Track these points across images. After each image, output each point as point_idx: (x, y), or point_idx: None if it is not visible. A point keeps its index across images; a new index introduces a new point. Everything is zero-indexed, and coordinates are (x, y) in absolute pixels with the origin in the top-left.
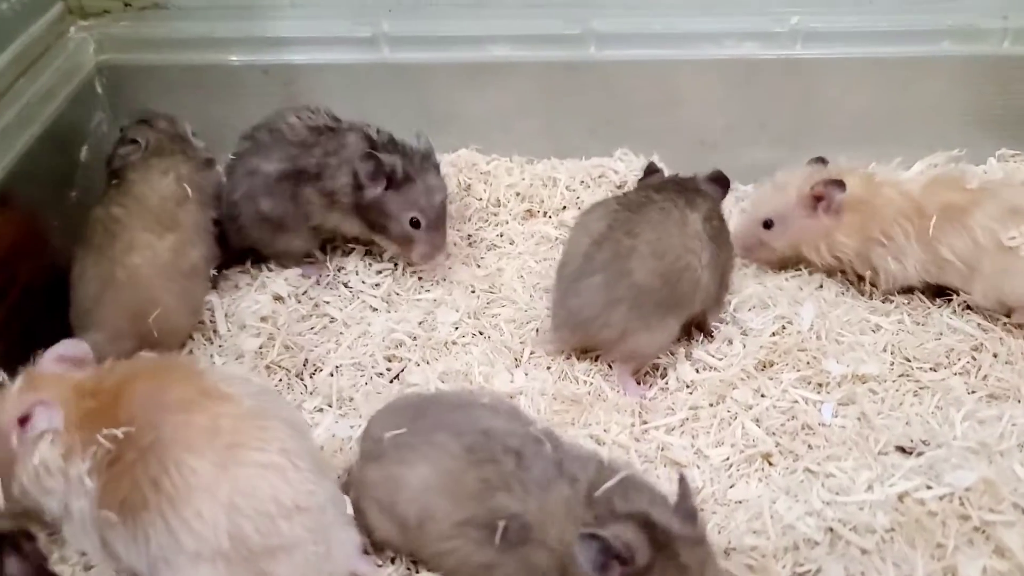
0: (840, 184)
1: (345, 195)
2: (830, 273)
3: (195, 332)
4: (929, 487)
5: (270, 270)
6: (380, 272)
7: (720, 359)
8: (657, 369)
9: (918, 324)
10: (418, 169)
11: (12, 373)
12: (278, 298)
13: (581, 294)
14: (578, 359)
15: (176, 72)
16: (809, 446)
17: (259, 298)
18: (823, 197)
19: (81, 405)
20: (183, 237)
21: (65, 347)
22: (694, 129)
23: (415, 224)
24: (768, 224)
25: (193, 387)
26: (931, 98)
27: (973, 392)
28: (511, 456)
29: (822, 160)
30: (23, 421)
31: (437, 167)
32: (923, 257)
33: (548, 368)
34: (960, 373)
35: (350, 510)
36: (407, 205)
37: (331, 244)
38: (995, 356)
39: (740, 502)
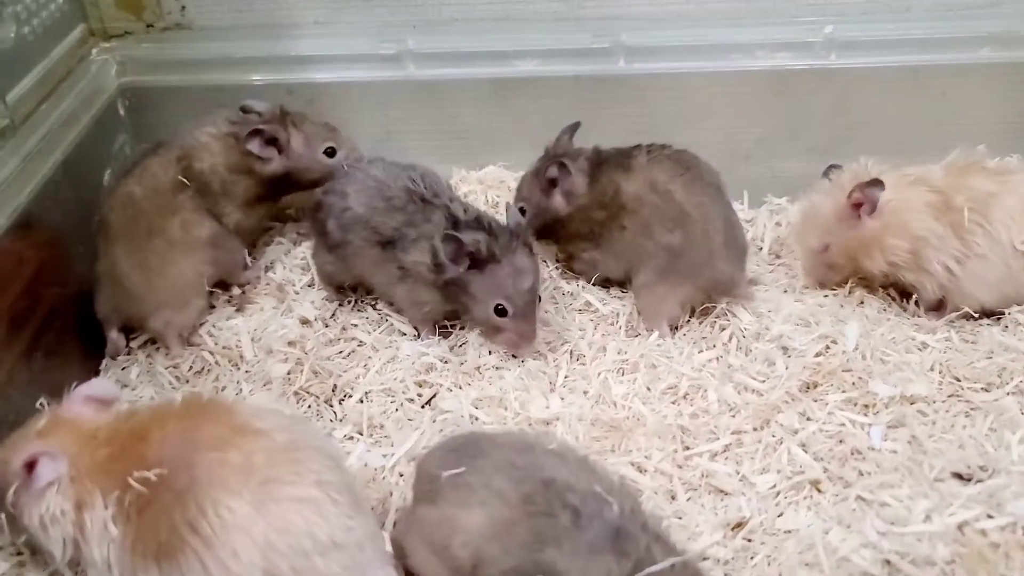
0: (878, 183)
1: (420, 272)
2: (871, 289)
3: (221, 357)
4: (990, 516)
5: (296, 293)
6: None
7: (762, 381)
8: (698, 391)
9: (967, 342)
10: (505, 249)
11: (34, 398)
12: (305, 322)
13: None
14: (614, 383)
15: (199, 93)
16: (860, 472)
17: (286, 322)
18: (863, 202)
19: (95, 453)
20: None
21: (93, 388)
22: (726, 141)
23: (501, 312)
24: (827, 248)
25: (225, 425)
26: (969, 107)
27: None
28: (568, 512)
29: (837, 167)
30: (29, 467)
31: (529, 246)
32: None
33: (585, 392)
34: (1014, 393)
35: (389, 547)
36: (492, 290)
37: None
38: None
39: (790, 532)
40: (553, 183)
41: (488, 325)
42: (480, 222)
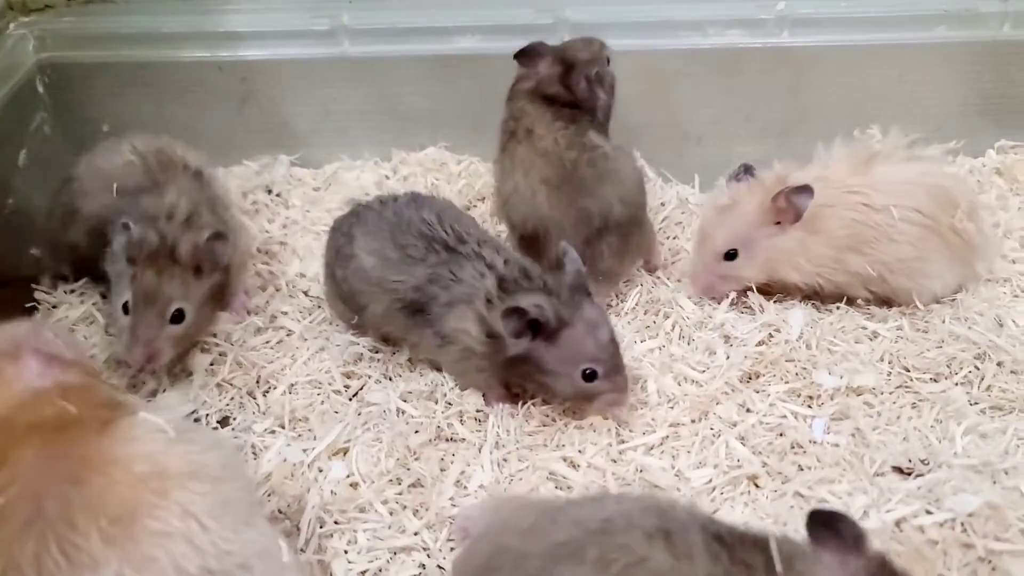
0: (807, 190)
1: (466, 341)
2: None
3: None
4: (929, 512)
5: None
6: None
7: (703, 371)
8: (637, 382)
9: (919, 331)
10: (572, 307)
11: None
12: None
13: None
14: None
15: (125, 70)
16: (799, 467)
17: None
18: (786, 209)
19: None
20: None
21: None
22: (677, 122)
23: (590, 376)
24: (731, 255)
25: (85, 450)
26: (927, 87)
27: (975, 404)
28: None
29: (748, 167)
30: None
31: (589, 292)
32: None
33: (520, 385)
34: (962, 383)
35: (287, 556)
36: (574, 358)
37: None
38: (999, 365)
39: None
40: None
41: (578, 394)
42: (531, 278)
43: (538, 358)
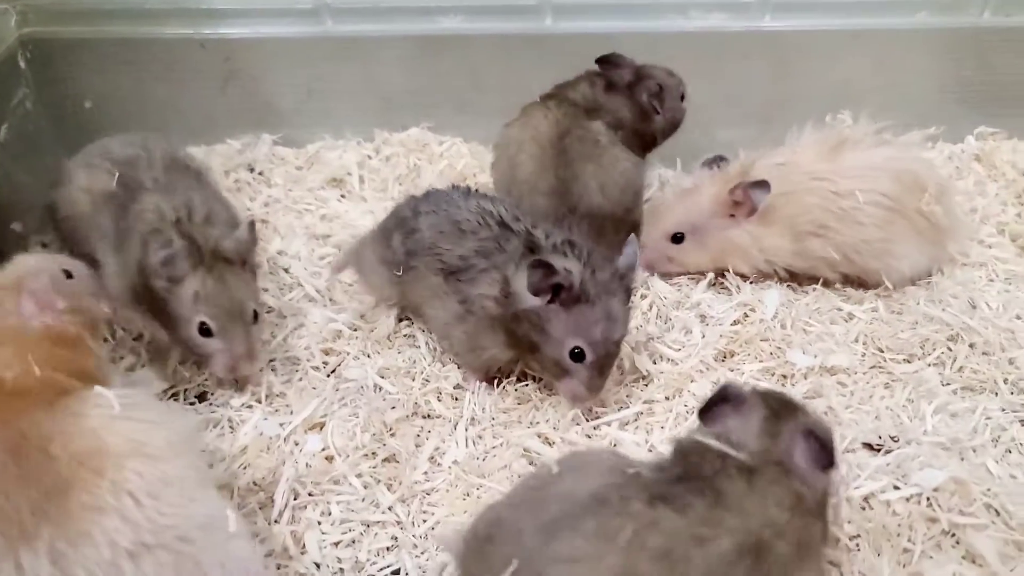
0: (764, 185)
1: (484, 308)
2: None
3: (119, 326)
4: (896, 487)
5: None
6: (323, 259)
7: (678, 349)
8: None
9: (893, 312)
10: (603, 289)
11: None
12: None
13: None
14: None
15: (107, 46)
16: None
17: None
18: (744, 201)
19: None
20: None
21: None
22: None
23: (577, 355)
24: (678, 238)
25: (30, 422)
26: (908, 73)
27: (947, 384)
28: None
29: (720, 158)
30: None
31: (630, 291)
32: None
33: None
34: (935, 364)
35: (234, 526)
36: (575, 331)
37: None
38: (971, 346)
39: None
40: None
41: (553, 367)
42: (574, 248)
43: (544, 318)
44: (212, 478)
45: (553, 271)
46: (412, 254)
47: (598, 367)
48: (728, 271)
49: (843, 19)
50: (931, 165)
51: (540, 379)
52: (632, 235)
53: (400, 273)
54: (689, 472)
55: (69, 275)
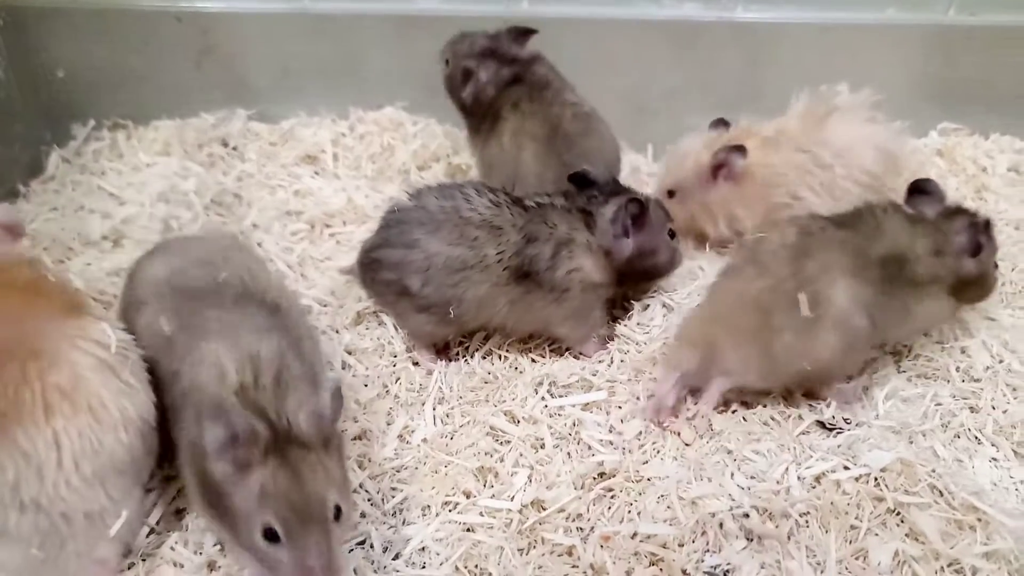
0: (741, 150)
1: (584, 278)
2: None
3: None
4: (846, 467)
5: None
6: (295, 234)
7: (643, 333)
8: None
9: None
10: (628, 189)
11: None
12: None
13: None
14: (497, 335)
15: (81, 16)
16: (727, 425)
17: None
18: (724, 164)
19: None
20: None
21: None
22: (632, 93)
23: (672, 234)
24: (671, 194)
25: (34, 327)
26: (876, 67)
27: (903, 372)
28: None
29: (724, 122)
30: None
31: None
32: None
33: (463, 344)
34: (892, 352)
35: (115, 531)
36: (660, 225)
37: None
38: (926, 335)
39: (651, 480)
40: (468, 75)
41: (667, 262)
42: (593, 194)
43: (643, 245)
44: (143, 473)
45: (635, 200)
46: (439, 281)
47: (672, 236)
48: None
49: (814, 12)
50: (912, 149)
51: (506, 358)
52: (585, 167)
53: (453, 312)
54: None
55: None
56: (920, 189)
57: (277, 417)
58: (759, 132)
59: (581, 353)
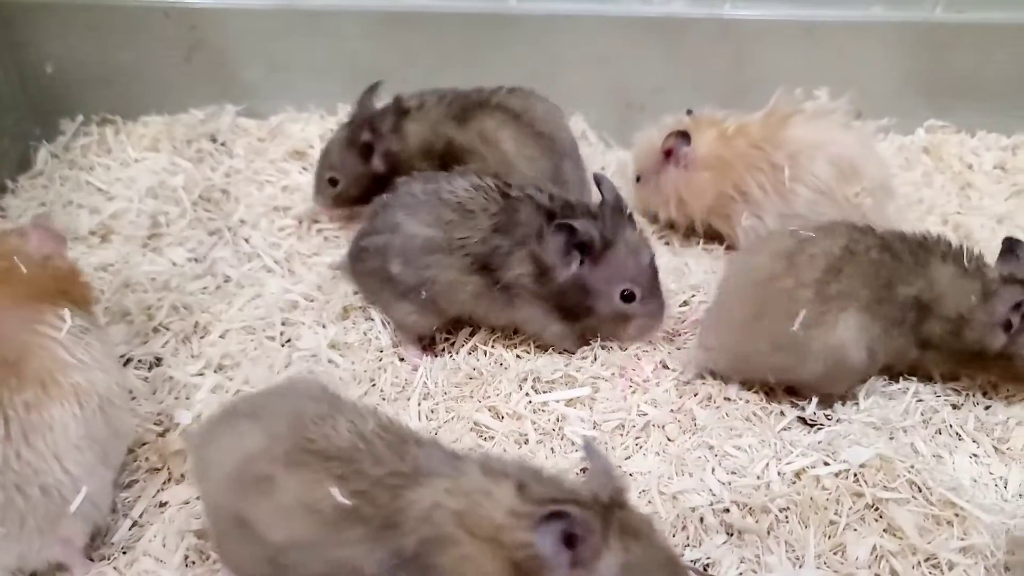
0: (684, 136)
1: (524, 287)
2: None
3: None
4: (826, 463)
5: (167, 226)
6: (283, 230)
7: None
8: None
9: None
10: (615, 228)
11: None
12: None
13: None
14: (483, 331)
15: (69, 11)
16: (710, 421)
17: (154, 257)
18: (672, 151)
19: None
20: None
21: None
22: (621, 89)
23: (628, 297)
24: (639, 179)
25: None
26: (863, 65)
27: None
28: None
29: (689, 112)
30: None
31: (632, 218)
32: (783, 210)
33: (449, 340)
34: None
35: (75, 506)
36: (615, 278)
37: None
38: None
39: (632, 475)
40: (369, 147)
41: (614, 319)
42: (575, 206)
43: (584, 281)
44: (110, 454)
45: (574, 231)
46: (421, 262)
47: (652, 294)
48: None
49: (801, 10)
50: (878, 160)
51: (491, 354)
52: (598, 173)
53: (423, 296)
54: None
55: None
56: (1011, 249)
57: None
58: (720, 123)
59: (564, 349)
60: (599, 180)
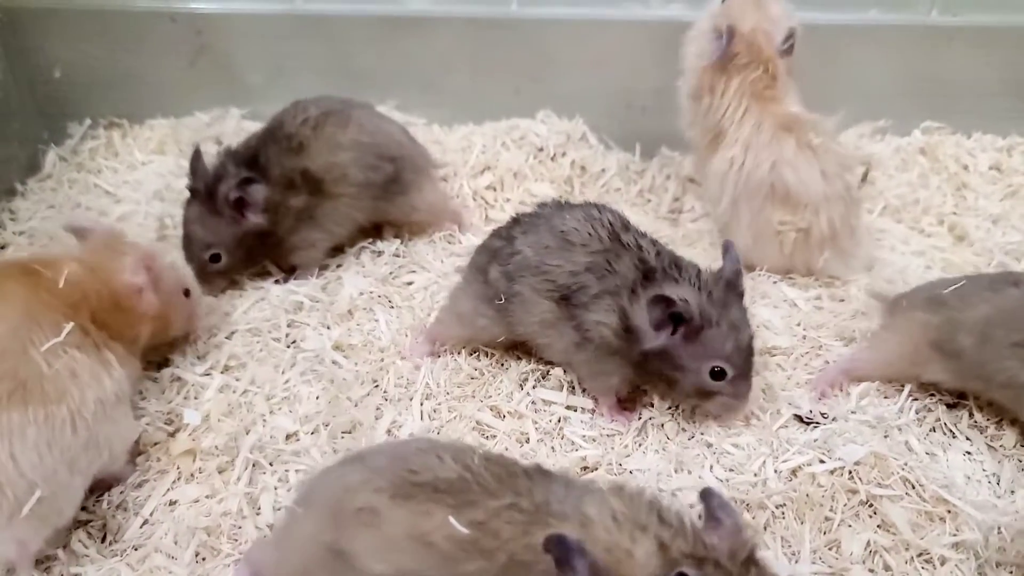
0: (730, 32)
1: (603, 337)
2: None
3: None
4: (822, 461)
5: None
6: None
7: None
8: None
9: (837, 300)
10: (721, 306)
11: None
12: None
13: None
14: None
15: (77, 16)
16: (708, 420)
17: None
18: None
19: None
20: None
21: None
22: (621, 92)
23: (718, 375)
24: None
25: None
26: (859, 67)
27: None
28: None
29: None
30: None
31: (742, 295)
32: None
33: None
34: None
35: (27, 509)
36: (708, 354)
37: None
38: None
39: (633, 473)
40: (240, 202)
41: (697, 393)
42: (682, 269)
43: (672, 352)
44: (78, 460)
45: (672, 303)
46: (513, 278)
47: (742, 375)
48: None
49: (798, 12)
50: (826, 183)
51: (492, 355)
52: (728, 240)
53: (502, 301)
54: None
55: (187, 293)
56: None
57: None
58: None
59: (596, 401)
60: (726, 248)
